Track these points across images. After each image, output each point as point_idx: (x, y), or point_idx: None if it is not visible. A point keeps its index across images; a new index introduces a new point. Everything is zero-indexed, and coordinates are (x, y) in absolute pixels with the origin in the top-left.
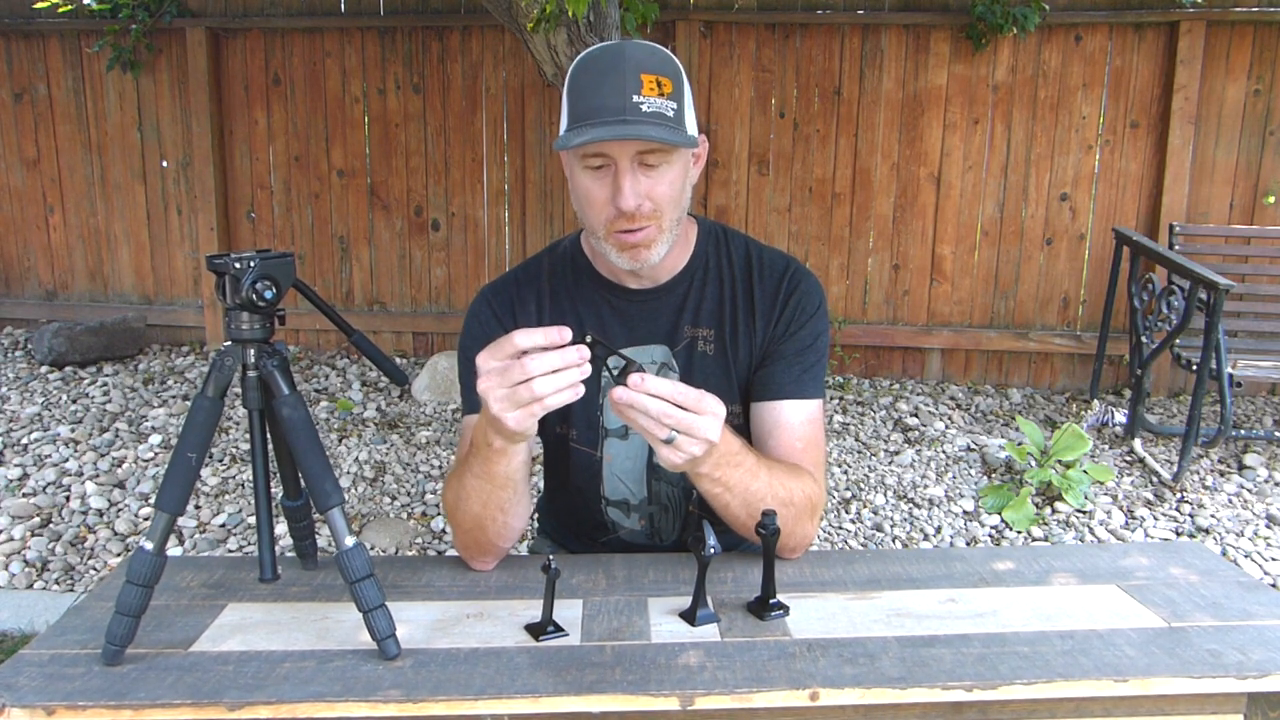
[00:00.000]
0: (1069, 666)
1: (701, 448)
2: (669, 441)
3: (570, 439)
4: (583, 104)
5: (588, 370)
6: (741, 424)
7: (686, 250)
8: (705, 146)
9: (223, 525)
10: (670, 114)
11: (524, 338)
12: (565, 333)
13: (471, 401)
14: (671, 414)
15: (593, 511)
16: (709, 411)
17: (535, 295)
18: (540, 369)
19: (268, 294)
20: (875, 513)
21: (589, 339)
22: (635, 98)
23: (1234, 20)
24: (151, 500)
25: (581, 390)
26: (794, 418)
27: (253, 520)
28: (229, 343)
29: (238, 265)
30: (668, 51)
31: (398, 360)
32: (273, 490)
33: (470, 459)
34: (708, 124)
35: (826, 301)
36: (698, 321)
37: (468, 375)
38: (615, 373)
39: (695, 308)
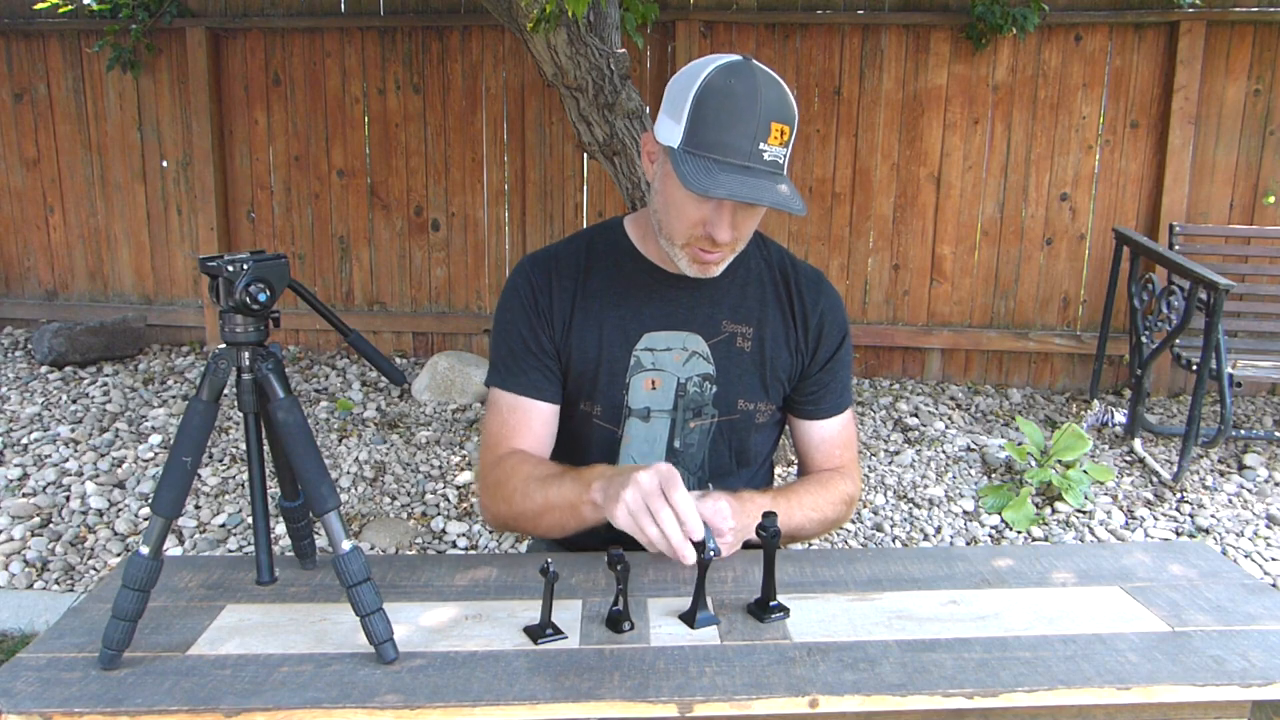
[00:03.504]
0: (1071, 673)
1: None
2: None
3: (594, 415)
4: (708, 131)
5: (687, 561)
6: (769, 420)
7: None
8: None
9: (223, 525)
10: (782, 161)
11: (684, 504)
12: (693, 543)
13: (499, 376)
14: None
15: None
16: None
17: (573, 272)
18: (666, 524)
19: (261, 296)
20: (875, 513)
21: (619, 566)
22: (761, 144)
23: (1234, 20)
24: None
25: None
26: (835, 429)
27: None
28: (223, 345)
29: (230, 268)
30: (786, 87)
31: (397, 360)
32: (271, 490)
33: (564, 485)
34: None
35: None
36: (738, 318)
37: (499, 345)
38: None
39: (736, 304)
